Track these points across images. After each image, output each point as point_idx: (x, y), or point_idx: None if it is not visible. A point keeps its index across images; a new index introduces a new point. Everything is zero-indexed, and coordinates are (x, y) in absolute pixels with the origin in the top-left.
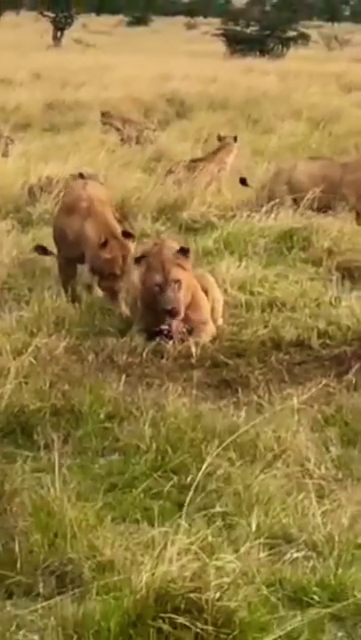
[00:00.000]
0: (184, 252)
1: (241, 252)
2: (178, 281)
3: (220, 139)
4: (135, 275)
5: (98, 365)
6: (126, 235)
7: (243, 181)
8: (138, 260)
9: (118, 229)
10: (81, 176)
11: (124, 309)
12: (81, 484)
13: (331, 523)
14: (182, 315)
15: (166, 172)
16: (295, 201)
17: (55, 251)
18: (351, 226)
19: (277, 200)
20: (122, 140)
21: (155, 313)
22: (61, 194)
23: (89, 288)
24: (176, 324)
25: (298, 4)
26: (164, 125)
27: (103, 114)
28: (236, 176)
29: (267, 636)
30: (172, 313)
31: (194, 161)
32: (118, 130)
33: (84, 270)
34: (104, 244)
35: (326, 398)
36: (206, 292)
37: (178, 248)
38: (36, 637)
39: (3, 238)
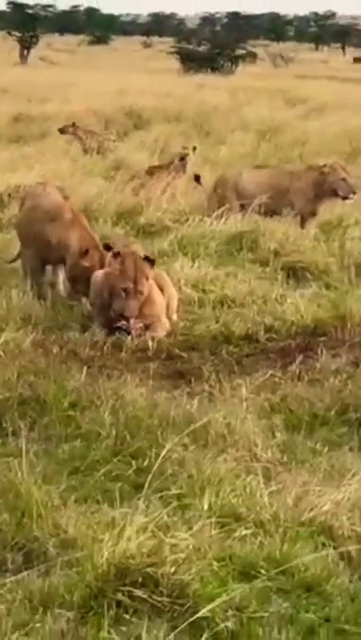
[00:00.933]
0: (150, 261)
1: (194, 253)
2: (142, 292)
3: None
4: (99, 273)
5: (62, 358)
6: (107, 248)
7: (197, 178)
8: (115, 256)
9: (98, 241)
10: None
11: (87, 306)
12: (46, 467)
13: (277, 503)
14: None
15: (128, 179)
16: (243, 206)
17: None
18: (295, 229)
19: (227, 205)
20: (84, 150)
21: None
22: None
23: (52, 286)
24: (134, 321)
25: (246, 25)
26: (123, 136)
27: (73, 125)
28: (188, 184)
29: (217, 606)
30: (127, 319)
31: (152, 169)
32: (82, 140)
33: (50, 270)
34: (85, 253)
35: (272, 388)
36: (162, 290)
37: (144, 257)
38: (4, 609)
39: None
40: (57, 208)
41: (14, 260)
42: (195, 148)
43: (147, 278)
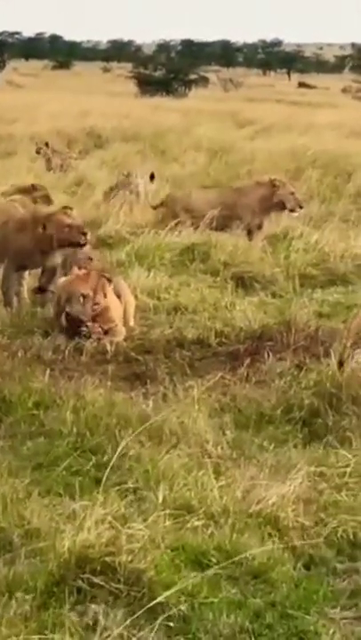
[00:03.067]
0: (109, 280)
1: (149, 263)
2: (98, 303)
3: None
4: (61, 280)
5: (26, 361)
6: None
7: (151, 177)
8: (80, 268)
9: None
10: (33, 187)
11: (50, 311)
12: (12, 463)
13: (226, 496)
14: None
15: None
16: (193, 223)
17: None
18: (244, 242)
19: (179, 219)
20: (48, 167)
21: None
22: None
23: (18, 295)
24: (92, 325)
25: (198, 52)
26: (84, 155)
27: (46, 144)
28: (145, 200)
29: (171, 593)
30: (79, 324)
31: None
32: (49, 158)
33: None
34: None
35: (223, 389)
36: (120, 297)
37: (105, 276)
38: None
39: None
40: (24, 216)
41: None
42: (152, 177)
43: (104, 295)
